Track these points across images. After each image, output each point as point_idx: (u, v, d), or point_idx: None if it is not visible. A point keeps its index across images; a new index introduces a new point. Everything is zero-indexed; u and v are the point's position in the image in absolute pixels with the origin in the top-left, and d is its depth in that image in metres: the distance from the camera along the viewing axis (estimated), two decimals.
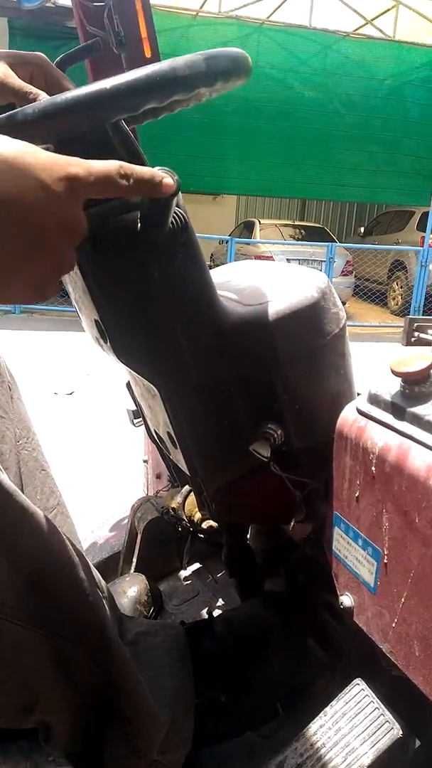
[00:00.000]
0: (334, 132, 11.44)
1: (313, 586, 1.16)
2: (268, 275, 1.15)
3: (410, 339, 1.74)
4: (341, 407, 1.02)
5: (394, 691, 0.96)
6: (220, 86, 0.78)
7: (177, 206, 0.83)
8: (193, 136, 10.57)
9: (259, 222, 12.21)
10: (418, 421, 0.88)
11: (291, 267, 1.11)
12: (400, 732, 0.91)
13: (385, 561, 0.91)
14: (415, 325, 1.72)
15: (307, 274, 1.04)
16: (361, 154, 11.61)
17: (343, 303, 10.20)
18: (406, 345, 1.76)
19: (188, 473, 1.13)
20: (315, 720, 1.00)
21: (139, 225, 0.82)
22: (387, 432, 0.92)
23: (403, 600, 0.87)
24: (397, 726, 0.91)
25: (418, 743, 0.98)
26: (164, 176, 0.69)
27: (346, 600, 1.00)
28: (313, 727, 1.00)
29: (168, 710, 0.98)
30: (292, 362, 0.99)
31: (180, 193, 0.77)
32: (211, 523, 1.49)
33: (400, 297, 11.23)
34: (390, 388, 0.96)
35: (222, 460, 1.10)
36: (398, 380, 0.93)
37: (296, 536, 1.27)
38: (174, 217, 0.83)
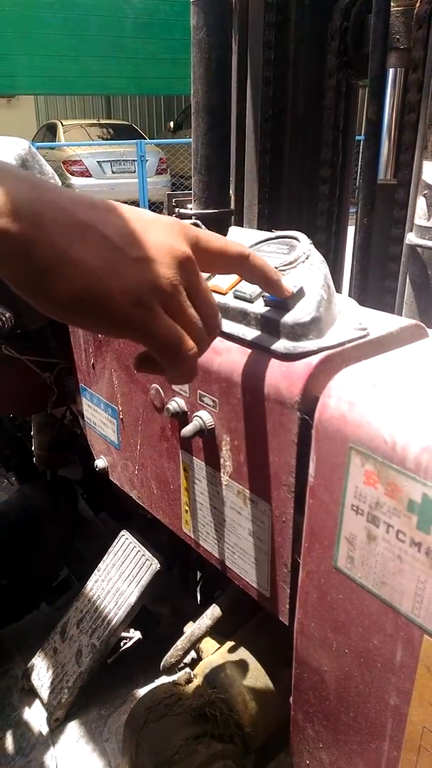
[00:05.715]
0: (123, 19, 10.74)
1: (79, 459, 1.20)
2: None
3: (172, 215, 1.76)
4: None
5: (152, 532, 1.04)
6: None
7: None
8: None
9: (62, 123, 11.45)
10: None
11: None
12: (158, 566, 1.00)
13: (122, 417, 0.95)
14: (174, 200, 1.74)
15: (5, 143, 1.00)
16: (155, 42, 11.07)
17: (161, 203, 10.05)
18: None
19: None
20: (91, 577, 1.07)
21: None
22: None
23: (138, 448, 0.93)
24: (156, 562, 1.00)
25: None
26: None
27: (100, 462, 1.05)
28: (90, 584, 1.07)
29: None
30: None
31: None
32: None
33: None
34: None
35: None
36: None
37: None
38: None
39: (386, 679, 0.60)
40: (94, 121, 12.62)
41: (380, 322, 0.72)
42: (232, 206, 1.67)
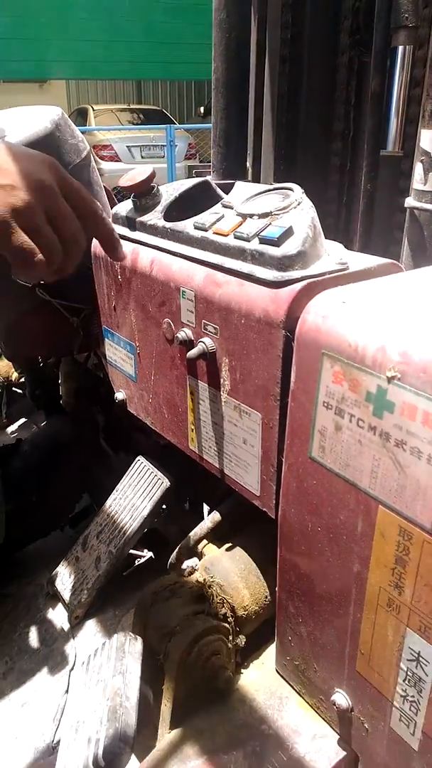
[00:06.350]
0: (154, 3, 10.82)
1: (101, 395, 1.34)
2: (5, 119, 1.22)
3: None
4: None
5: (165, 456, 1.18)
6: None
7: None
8: None
9: (93, 108, 11.58)
10: (144, 227, 1.03)
11: (27, 108, 1.18)
12: (168, 483, 1.13)
13: (138, 351, 1.08)
14: (195, 171, 1.85)
15: (41, 110, 1.13)
16: (185, 26, 11.11)
17: None
18: None
19: None
20: (110, 496, 1.20)
21: None
22: (125, 243, 1.06)
23: (152, 378, 1.06)
24: (166, 479, 1.13)
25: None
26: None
27: (120, 395, 1.18)
28: (108, 502, 1.20)
29: None
30: None
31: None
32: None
33: None
34: (128, 205, 1.09)
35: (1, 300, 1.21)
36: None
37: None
38: None
39: (350, 549, 0.72)
40: (125, 106, 12.72)
41: (360, 260, 0.83)
42: (250, 178, 1.78)
